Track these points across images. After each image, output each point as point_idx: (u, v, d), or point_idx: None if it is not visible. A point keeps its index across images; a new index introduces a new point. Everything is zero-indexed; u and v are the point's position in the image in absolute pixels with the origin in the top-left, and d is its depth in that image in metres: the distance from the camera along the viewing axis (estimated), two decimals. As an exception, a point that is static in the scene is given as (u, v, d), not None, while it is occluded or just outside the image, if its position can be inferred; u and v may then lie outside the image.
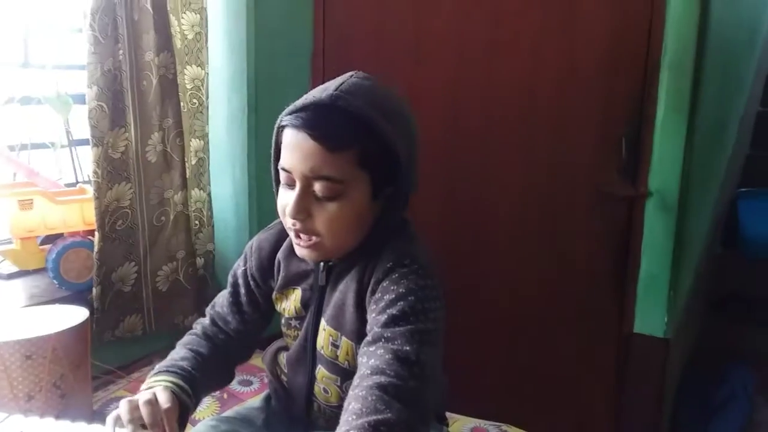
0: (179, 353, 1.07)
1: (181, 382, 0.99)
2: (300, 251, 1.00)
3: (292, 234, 0.99)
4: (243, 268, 1.13)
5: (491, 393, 1.89)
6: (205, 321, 1.15)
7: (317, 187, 0.94)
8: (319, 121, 0.92)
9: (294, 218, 0.96)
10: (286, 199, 0.97)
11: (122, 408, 0.90)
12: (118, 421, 0.90)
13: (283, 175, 0.97)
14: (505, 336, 2.04)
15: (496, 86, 1.97)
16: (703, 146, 1.97)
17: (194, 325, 1.16)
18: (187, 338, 1.12)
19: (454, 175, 2.03)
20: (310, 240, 0.97)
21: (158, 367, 1.03)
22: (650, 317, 1.94)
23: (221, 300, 1.15)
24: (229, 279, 1.15)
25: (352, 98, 0.93)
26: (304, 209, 0.95)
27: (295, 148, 0.93)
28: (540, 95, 1.94)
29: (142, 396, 0.91)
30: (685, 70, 1.82)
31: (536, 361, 2.03)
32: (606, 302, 1.99)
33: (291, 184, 0.96)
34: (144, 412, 0.89)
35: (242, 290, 1.12)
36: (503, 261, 2.02)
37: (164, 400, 0.91)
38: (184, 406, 0.97)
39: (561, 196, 1.96)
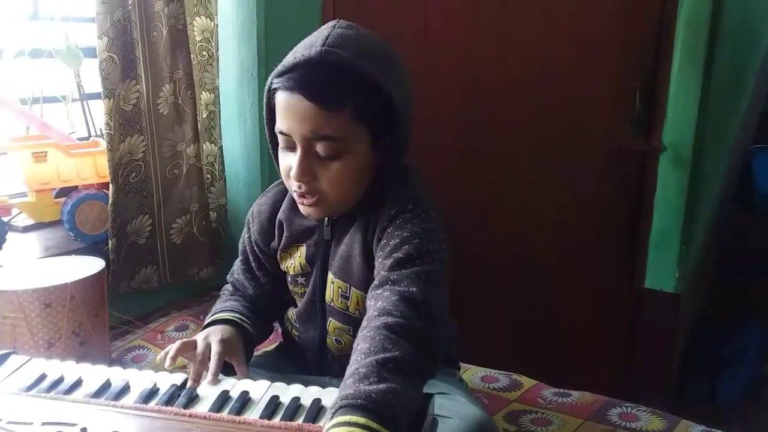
0: (225, 303, 1.12)
1: (239, 316, 1.06)
2: (305, 210, 1.01)
3: (296, 195, 1.00)
4: (248, 235, 1.14)
5: (502, 344, 1.92)
6: (229, 287, 1.19)
7: (319, 147, 0.94)
8: (311, 81, 0.91)
9: (299, 181, 0.96)
10: (289, 162, 0.97)
11: (174, 346, 0.96)
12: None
13: (281, 139, 0.97)
14: (518, 289, 2.05)
15: (509, 39, 1.94)
16: (718, 100, 1.94)
17: (222, 292, 1.19)
18: (221, 299, 1.16)
19: (469, 129, 2.02)
20: (314, 198, 0.98)
21: (211, 313, 1.09)
22: (662, 272, 1.95)
23: (236, 268, 1.18)
24: (239, 247, 1.17)
25: (341, 52, 0.91)
26: (308, 172, 0.95)
27: (290, 111, 0.93)
28: (554, 48, 1.91)
29: (199, 339, 0.98)
30: (702, 22, 1.79)
31: (548, 315, 2.05)
32: (618, 257, 2.00)
33: (291, 147, 0.96)
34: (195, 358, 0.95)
35: (251, 257, 1.15)
36: (517, 214, 2.02)
37: (215, 348, 0.96)
38: (248, 338, 1.05)
39: (574, 150, 1.95)
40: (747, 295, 2.56)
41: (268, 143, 1.03)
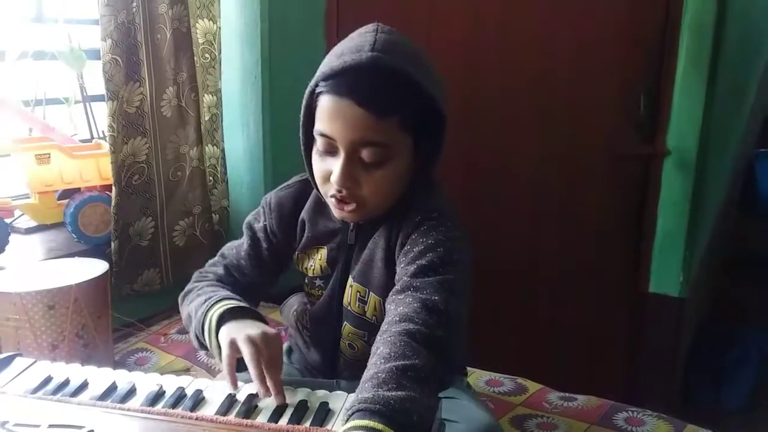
0: (219, 290, 1.02)
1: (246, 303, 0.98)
2: (340, 214, 0.99)
3: (332, 200, 0.97)
4: (263, 223, 1.10)
5: (507, 348, 1.91)
6: (218, 270, 1.10)
7: (364, 153, 0.92)
8: (363, 87, 0.89)
9: (342, 187, 0.93)
10: (327, 165, 0.95)
11: (246, 349, 0.87)
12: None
13: (322, 142, 0.94)
14: (522, 293, 2.05)
15: (513, 43, 1.94)
16: (722, 105, 1.94)
17: (203, 273, 1.10)
18: (205, 282, 1.06)
19: (471, 134, 2.01)
20: (354, 205, 0.96)
21: (214, 298, 0.97)
22: (666, 277, 1.94)
23: (236, 252, 1.11)
24: (246, 231, 1.11)
25: (392, 57, 0.90)
26: (351, 177, 0.93)
27: (338, 115, 0.90)
28: (558, 53, 1.91)
29: (243, 344, 0.88)
30: (706, 28, 1.79)
31: (553, 319, 2.04)
32: (622, 261, 1.99)
33: (331, 151, 0.94)
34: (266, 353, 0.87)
35: (264, 245, 1.09)
36: (521, 219, 2.02)
37: (270, 360, 0.88)
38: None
39: (578, 154, 1.95)
40: (750, 299, 2.55)
41: (302, 145, 1.00)
